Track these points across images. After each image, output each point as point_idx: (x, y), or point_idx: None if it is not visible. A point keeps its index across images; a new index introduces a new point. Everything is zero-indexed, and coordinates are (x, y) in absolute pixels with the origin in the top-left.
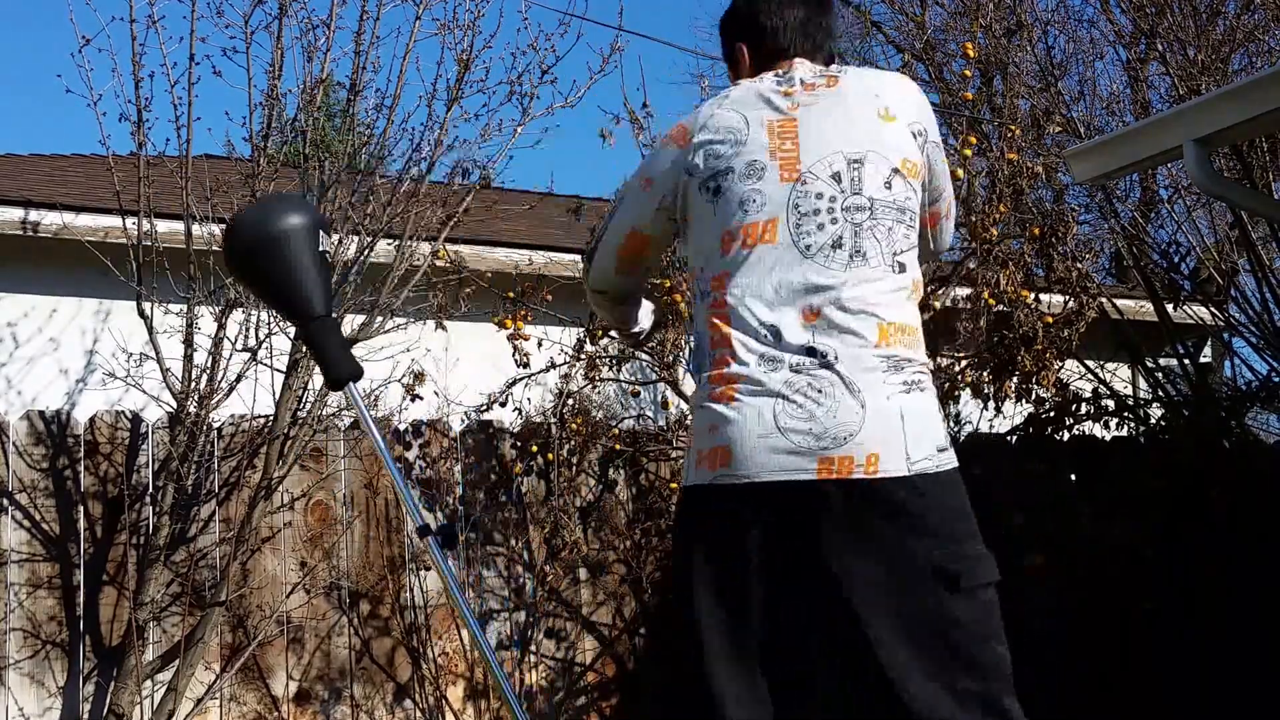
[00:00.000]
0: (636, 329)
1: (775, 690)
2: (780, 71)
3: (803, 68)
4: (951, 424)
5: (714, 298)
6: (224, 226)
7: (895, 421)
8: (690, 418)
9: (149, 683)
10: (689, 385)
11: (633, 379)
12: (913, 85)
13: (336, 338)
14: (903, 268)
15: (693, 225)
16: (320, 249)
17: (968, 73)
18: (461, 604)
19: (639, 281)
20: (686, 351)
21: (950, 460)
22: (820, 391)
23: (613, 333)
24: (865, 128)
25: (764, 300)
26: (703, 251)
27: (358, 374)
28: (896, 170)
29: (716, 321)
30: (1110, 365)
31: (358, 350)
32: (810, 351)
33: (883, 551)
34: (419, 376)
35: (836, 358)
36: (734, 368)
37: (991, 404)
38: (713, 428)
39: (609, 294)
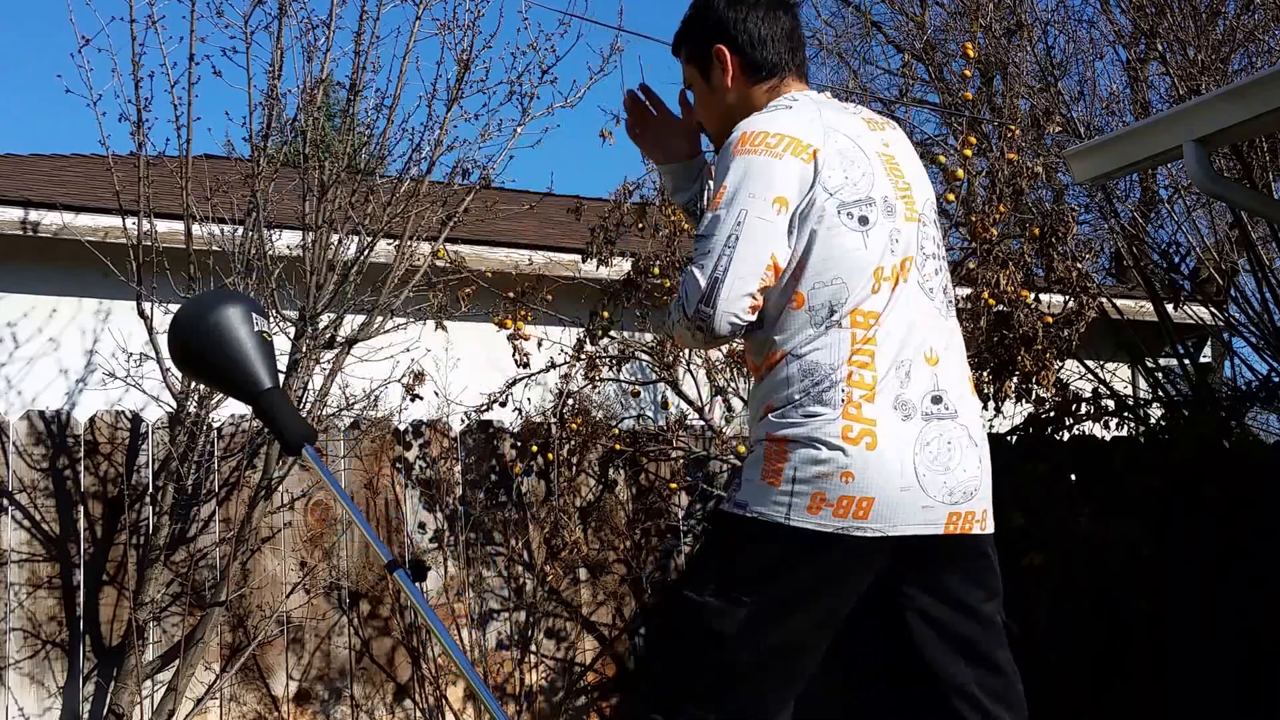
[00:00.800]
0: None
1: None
2: (814, 93)
3: (833, 100)
4: None
5: (856, 334)
6: (167, 328)
7: (990, 478)
8: (790, 448)
9: (149, 683)
10: (689, 385)
11: (633, 379)
12: None
13: (287, 407)
14: (953, 313)
15: (825, 246)
16: (257, 329)
17: (967, 73)
18: (441, 633)
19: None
20: (687, 352)
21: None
22: (949, 444)
23: (613, 333)
24: (925, 176)
25: (904, 344)
26: (840, 279)
27: (311, 437)
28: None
29: (861, 359)
30: (1110, 365)
31: (358, 350)
32: (937, 400)
33: (981, 600)
34: (419, 376)
35: (957, 409)
36: (872, 410)
37: (991, 404)
38: (846, 474)
39: (732, 336)
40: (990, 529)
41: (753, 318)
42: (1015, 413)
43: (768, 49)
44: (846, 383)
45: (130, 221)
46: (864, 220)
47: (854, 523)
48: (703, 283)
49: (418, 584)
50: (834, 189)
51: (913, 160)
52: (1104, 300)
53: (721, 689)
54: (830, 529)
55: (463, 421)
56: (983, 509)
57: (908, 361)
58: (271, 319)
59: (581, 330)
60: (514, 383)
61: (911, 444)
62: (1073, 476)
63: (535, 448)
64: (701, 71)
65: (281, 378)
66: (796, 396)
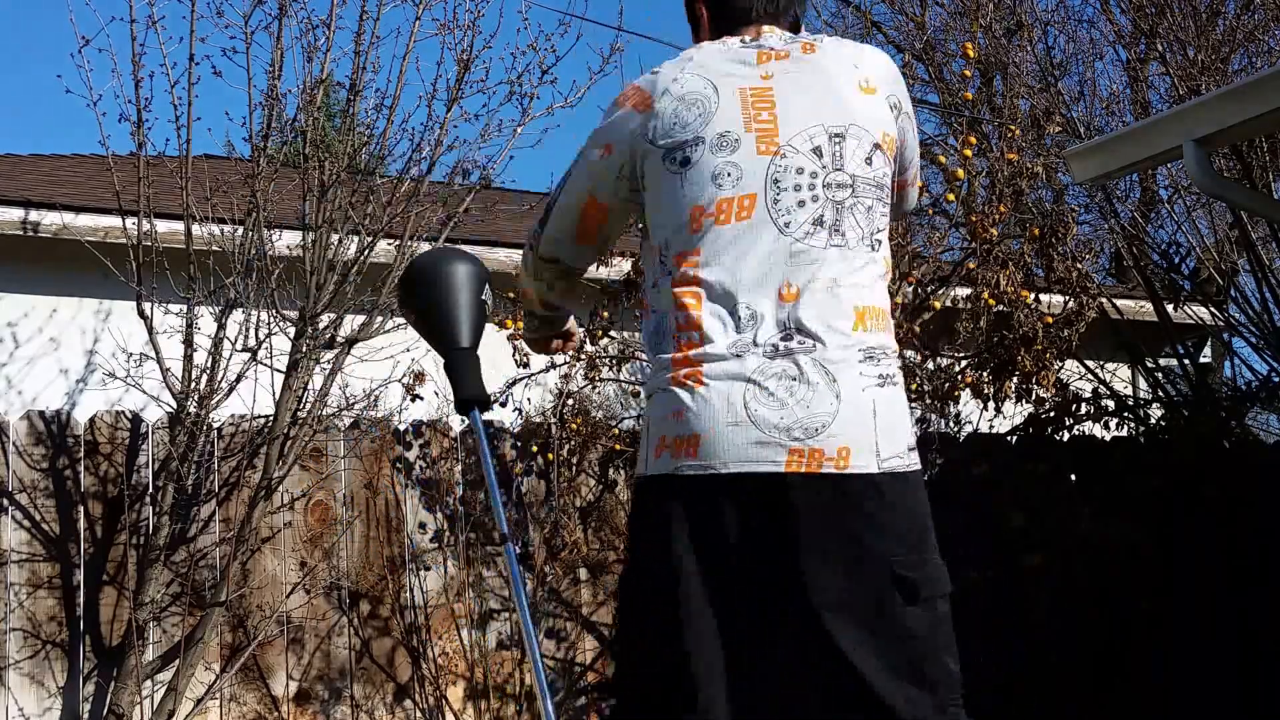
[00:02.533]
0: (560, 323)
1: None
2: (747, 37)
3: (773, 35)
4: (952, 424)
5: (681, 274)
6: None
7: (868, 415)
8: (648, 401)
9: (149, 683)
10: None
11: (633, 379)
12: (887, 57)
13: (473, 370)
14: (878, 247)
15: (656, 197)
16: (483, 297)
17: (968, 73)
18: (526, 617)
19: (593, 257)
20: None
21: (917, 462)
22: (794, 379)
23: (613, 333)
24: (847, 100)
25: (739, 280)
26: (668, 226)
27: (484, 404)
28: (877, 145)
29: (685, 301)
30: (1110, 365)
31: (358, 350)
32: (786, 336)
33: (845, 551)
34: (419, 377)
35: (814, 343)
36: (702, 349)
37: (991, 404)
38: (677, 413)
39: (560, 264)
40: (859, 467)
41: (571, 248)
42: (1015, 413)
43: (740, 2)
44: (676, 326)
45: (130, 222)
46: (685, 161)
47: (685, 461)
48: (542, 212)
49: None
50: (659, 136)
51: (808, 90)
52: (1104, 300)
53: (627, 651)
54: (667, 470)
55: (463, 421)
56: (837, 446)
57: (749, 298)
58: (272, 320)
59: (582, 330)
60: (514, 383)
61: (744, 380)
62: (1073, 477)
63: (535, 448)
64: (693, 31)
65: (476, 348)
66: (650, 348)
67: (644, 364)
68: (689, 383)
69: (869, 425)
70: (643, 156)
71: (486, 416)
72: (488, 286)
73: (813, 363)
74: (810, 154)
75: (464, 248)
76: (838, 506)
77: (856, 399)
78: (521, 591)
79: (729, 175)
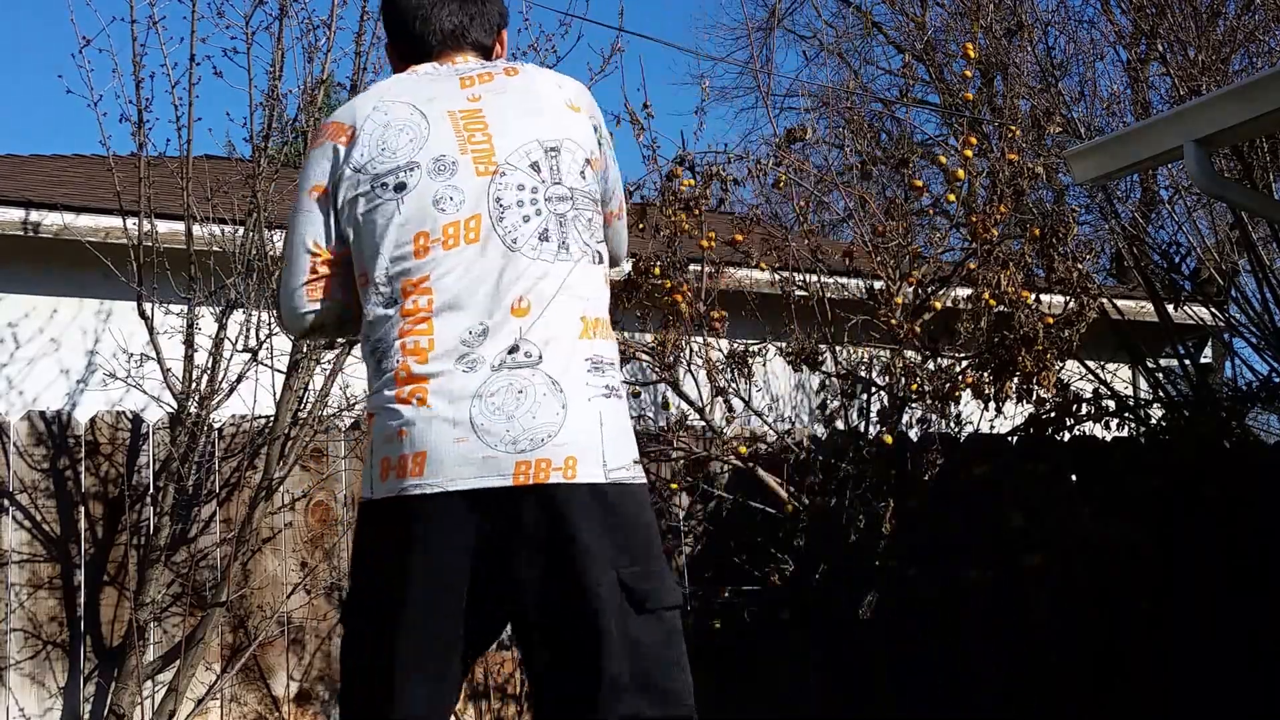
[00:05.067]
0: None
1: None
2: (438, 64)
3: (465, 62)
4: (952, 425)
5: (407, 304)
6: None
7: (595, 424)
8: (370, 425)
9: (150, 683)
10: (689, 386)
11: (633, 380)
12: (584, 86)
13: None
14: (601, 258)
15: (371, 226)
16: None
17: (968, 73)
18: None
19: (350, 301)
20: (687, 353)
21: (642, 475)
22: (521, 391)
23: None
24: (558, 116)
25: (468, 299)
26: (386, 254)
27: None
28: (588, 161)
29: (409, 326)
30: (1110, 366)
31: (359, 350)
32: (514, 349)
33: (574, 562)
34: None
35: (541, 355)
36: (427, 366)
37: (992, 404)
38: (401, 432)
39: (325, 329)
40: (587, 477)
41: (313, 305)
42: (1016, 413)
43: (407, 29)
44: (401, 350)
45: (131, 222)
46: (400, 187)
47: (412, 481)
48: (277, 283)
49: None
50: (363, 164)
51: (518, 109)
52: (1104, 301)
53: (345, 678)
54: (393, 493)
55: None
56: (565, 456)
57: (479, 315)
58: (273, 320)
59: None
60: None
61: (470, 395)
62: (1073, 477)
63: None
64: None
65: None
66: (370, 372)
67: (644, 365)
68: (413, 401)
69: (596, 435)
70: (345, 183)
71: None
72: None
73: (540, 374)
74: (529, 170)
75: None
76: (564, 517)
77: (583, 408)
78: None
79: (451, 199)
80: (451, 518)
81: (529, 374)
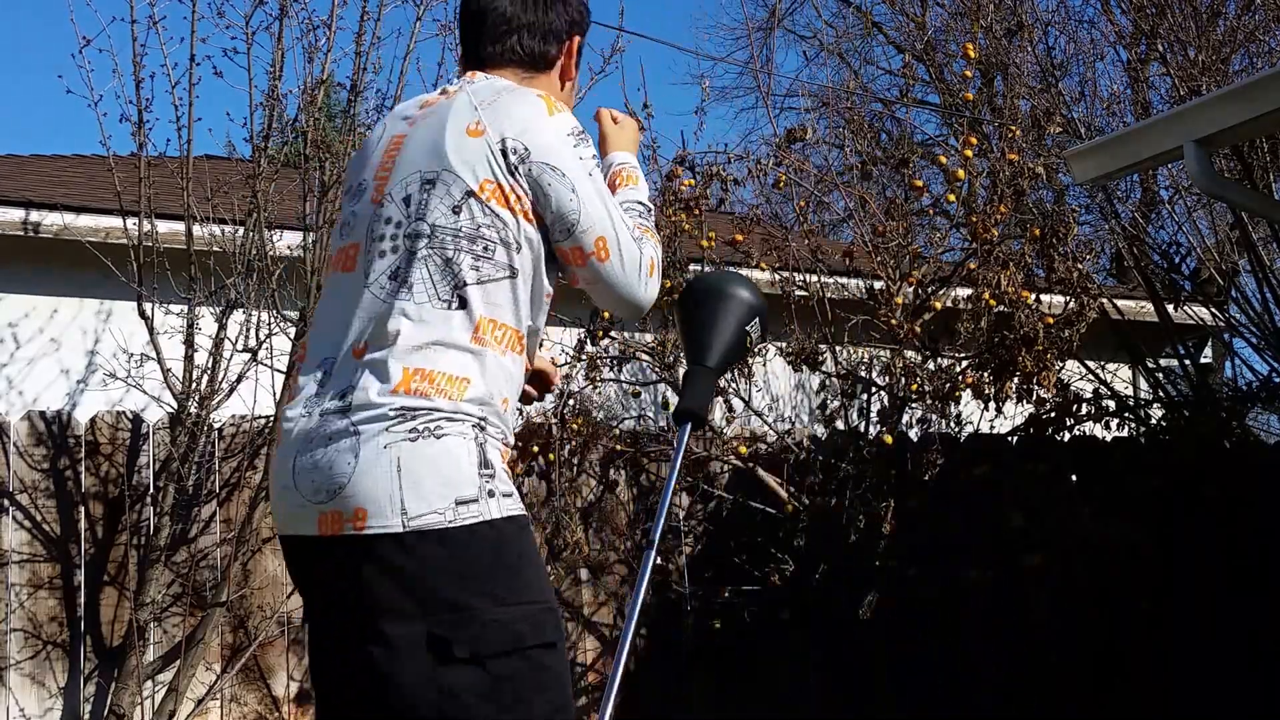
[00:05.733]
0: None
1: None
2: (470, 77)
3: (471, 81)
4: (952, 425)
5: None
6: (715, 279)
7: (389, 473)
8: None
9: (150, 683)
10: None
11: (633, 380)
12: (529, 104)
13: (704, 387)
14: (464, 302)
15: None
16: (749, 328)
17: (968, 73)
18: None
19: None
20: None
21: (478, 514)
22: (329, 439)
23: (613, 333)
24: (447, 145)
25: (326, 333)
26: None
27: (699, 422)
28: (472, 193)
29: (300, 352)
30: (1111, 366)
31: None
32: (342, 394)
33: (372, 614)
34: None
35: (353, 403)
36: (287, 409)
37: (992, 404)
38: (268, 473)
39: None
40: (380, 527)
41: None
42: (1016, 413)
43: (464, 48)
44: (290, 385)
45: (131, 222)
46: (344, 215)
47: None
48: None
49: None
50: (343, 190)
51: (425, 136)
52: (1104, 301)
53: None
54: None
55: None
56: (354, 507)
57: (331, 357)
58: (273, 320)
59: (582, 330)
60: None
61: (298, 442)
62: (1073, 477)
63: (536, 448)
64: None
65: (720, 372)
66: None
67: (645, 365)
68: (278, 441)
69: (390, 484)
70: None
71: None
72: (758, 320)
73: (348, 423)
74: (401, 203)
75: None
76: (360, 568)
77: (377, 457)
78: (640, 597)
79: (348, 224)
80: (294, 561)
81: (341, 422)
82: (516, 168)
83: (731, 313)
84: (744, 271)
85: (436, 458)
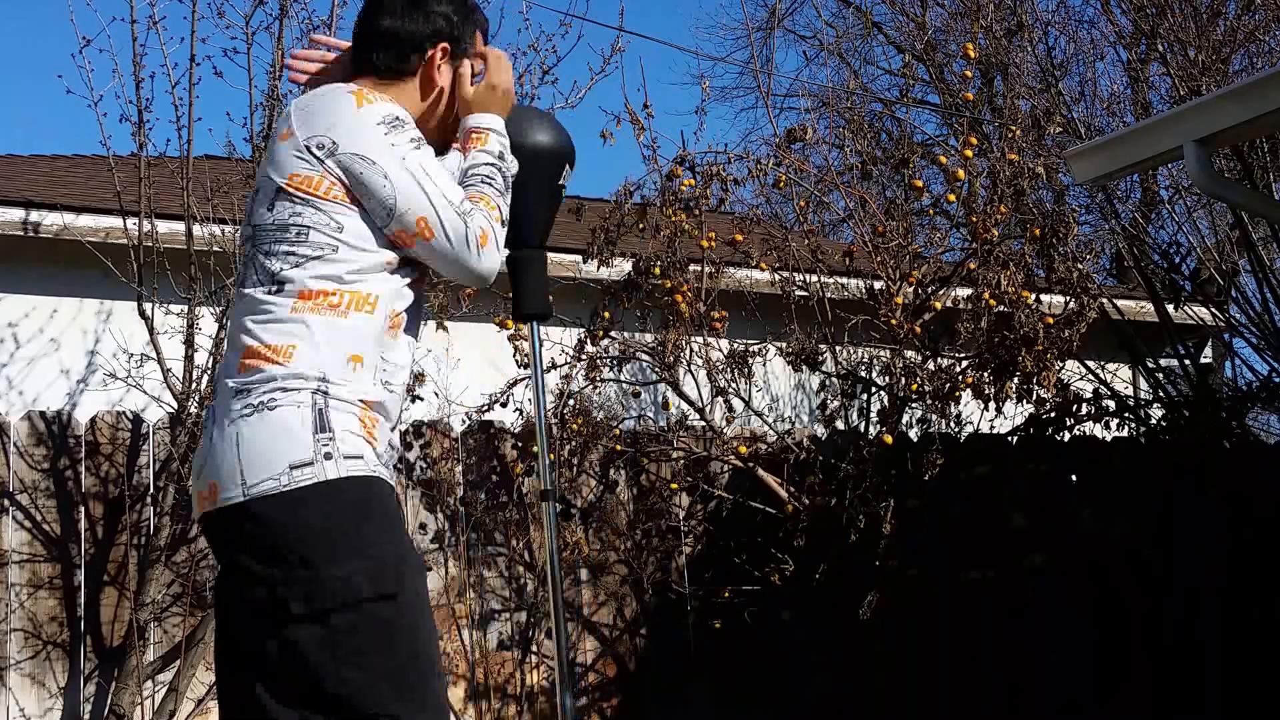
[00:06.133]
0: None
1: None
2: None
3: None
4: (953, 425)
5: None
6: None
7: (230, 447)
8: None
9: (150, 683)
10: (689, 386)
11: (633, 380)
12: (337, 100)
13: (540, 274)
14: (281, 285)
15: None
16: (560, 182)
17: (968, 73)
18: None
19: None
20: (688, 353)
21: (313, 475)
22: (205, 429)
23: (613, 333)
24: (268, 156)
25: (227, 338)
26: None
27: (545, 314)
28: (281, 190)
29: None
30: (1111, 366)
31: None
32: (217, 391)
33: (233, 581)
34: (419, 377)
35: (218, 389)
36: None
37: (992, 404)
38: None
39: None
40: (227, 500)
41: None
42: (1016, 413)
43: None
44: None
45: (131, 222)
46: None
47: None
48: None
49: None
50: None
51: (278, 140)
52: (1105, 301)
53: None
54: None
55: (463, 422)
56: (209, 483)
57: (226, 355)
58: None
59: (582, 330)
60: (515, 383)
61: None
62: (1073, 477)
63: (536, 448)
64: None
65: (543, 245)
66: None
67: (645, 365)
68: None
69: (233, 457)
70: None
71: (488, 417)
72: (568, 168)
73: (210, 410)
74: (246, 215)
75: (544, 111)
76: (222, 539)
77: (222, 434)
78: (553, 541)
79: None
80: (209, 542)
81: (210, 411)
82: (324, 160)
83: (538, 172)
84: (743, 272)
85: (271, 428)
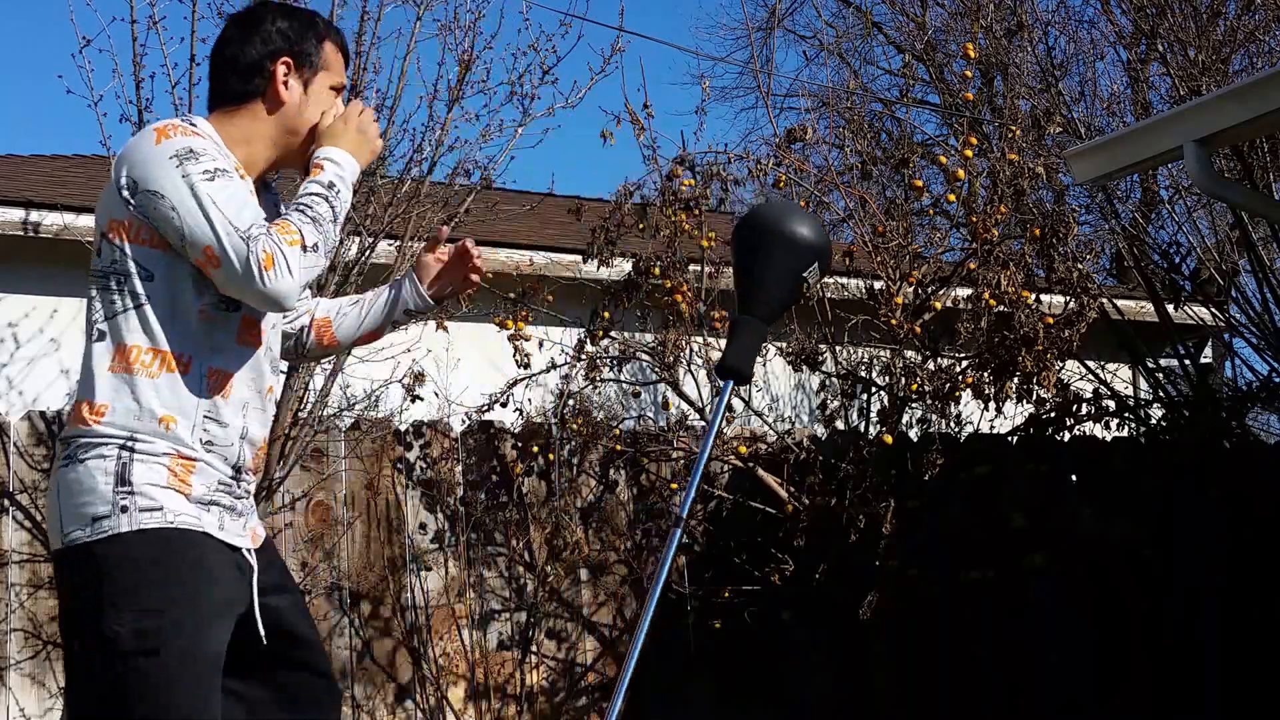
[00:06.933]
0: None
1: None
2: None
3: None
4: (953, 425)
5: None
6: (763, 208)
7: (54, 499)
8: None
9: None
10: (690, 386)
11: (633, 380)
12: (142, 139)
13: (749, 340)
14: (102, 335)
15: None
16: (804, 274)
17: (968, 73)
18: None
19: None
20: (688, 353)
21: (108, 529)
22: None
23: (613, 333)
24: (102, 200)
25: None
26: None
27: (742, 379)
28: (105, 235)
29: None
30: (1111, 366)
31: (359, 350)
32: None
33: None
34: (419, 377)
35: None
36: None
37: (992, 404)
38: None
39: None
40: (56, 545)
41: None
42: (1016, 413)
43: None
44: None
45: None
46: None
47: None
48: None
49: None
50: None
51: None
52: (1105, 301)
53: None
54: None
55: (463, 422)
56: (47, 532)
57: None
58: None
59: (582, 331)
60: (515, 383)
61: None
62: (1073, 477)
63: (536, 448)
64: None
65: (770, 321)
66: None
67: (645, 365)
68: None
69: (55, 507)
70: None
71: (489, 417)
72: (817, 264)
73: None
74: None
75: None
76: (58, 584)
77: (52, 486)
78: (664, 571)
79: None
80: None
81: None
82: (130, 202)
83: (787, 256)
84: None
85: (77, 480)
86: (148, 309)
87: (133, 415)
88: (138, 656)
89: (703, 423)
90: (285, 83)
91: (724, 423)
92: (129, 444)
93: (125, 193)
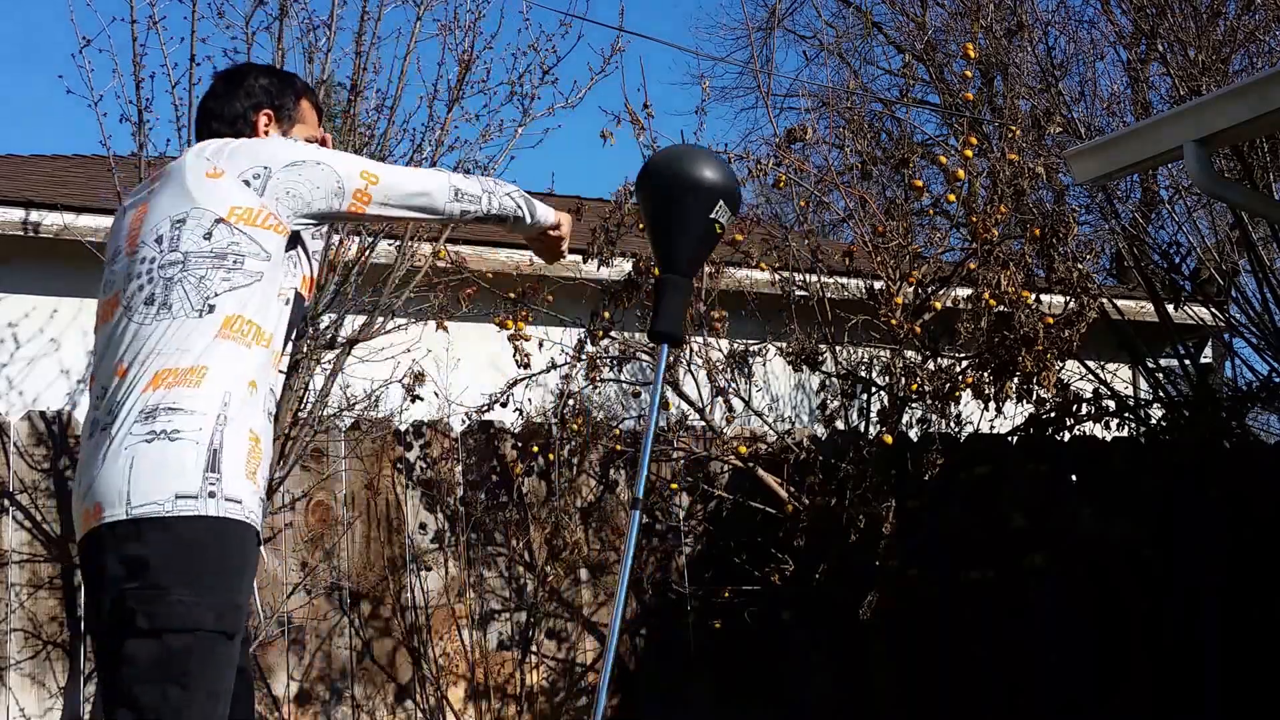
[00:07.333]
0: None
1: None
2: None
3: (191, 151)
4: (953, 425)
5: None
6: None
7: (123, 470)
8: None
9: None
10: (689, 386)
11: (633, 380)
12: (256, 140)
13: (679, 298)
14: (212, 309)
15: None
16: (712, 216)
17: (968, 73)
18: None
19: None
20: (687, 353)
21: (194, 509)
22: (95, 446)
23: (613, 333)
24: (193, 189)
25: (100, 366)
26: None
27: (675, 339)
28: (220, 220)
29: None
30: (1111, 366)
31: (359, 350)
32: (106, 410)
33: (100, 590)
34: (419, 377)
35: (113, 412)
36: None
37: (992, 404)
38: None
39: None
40: (109, 518)
41: None
42: (1016, 413)
43: None
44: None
45: None
46: (105, 276)
47: None
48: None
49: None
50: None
51: (167, 193)
52: (1105, 301)
53: None
54: None
55: (463, 422)
56: (95, 503)
57: (103, 380)
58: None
59: (582, 331)
60: (515, 383)
61: (85, 458)
62: (1074, 477)
63: (536, 448)
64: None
65: (693, 274)
66: None
67: (645, 365)
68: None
69: (122, 479)
70: None
71: (489, 417)
72: (722, 204)
73: (103, 430)
74: (154, 243)
75: (713, 151)
76: (100, 554)
77: (115, 457)
78: (630, 556)
79: (109, 282)
80: (81, 561)
81: (100, 431)
82: (262, 190)
83: (695, 203)
84: (743, 272)
85: (165, 458)
86: (263, 284)
87: (230, 379)
88: (214, 635)
89: (702, 422)
90: (266, 131)
91: (717, 418)
92: (223, 414)
93: (255, 183)
